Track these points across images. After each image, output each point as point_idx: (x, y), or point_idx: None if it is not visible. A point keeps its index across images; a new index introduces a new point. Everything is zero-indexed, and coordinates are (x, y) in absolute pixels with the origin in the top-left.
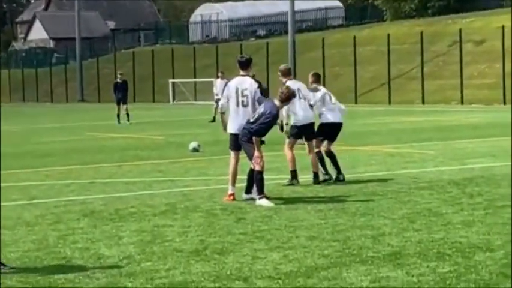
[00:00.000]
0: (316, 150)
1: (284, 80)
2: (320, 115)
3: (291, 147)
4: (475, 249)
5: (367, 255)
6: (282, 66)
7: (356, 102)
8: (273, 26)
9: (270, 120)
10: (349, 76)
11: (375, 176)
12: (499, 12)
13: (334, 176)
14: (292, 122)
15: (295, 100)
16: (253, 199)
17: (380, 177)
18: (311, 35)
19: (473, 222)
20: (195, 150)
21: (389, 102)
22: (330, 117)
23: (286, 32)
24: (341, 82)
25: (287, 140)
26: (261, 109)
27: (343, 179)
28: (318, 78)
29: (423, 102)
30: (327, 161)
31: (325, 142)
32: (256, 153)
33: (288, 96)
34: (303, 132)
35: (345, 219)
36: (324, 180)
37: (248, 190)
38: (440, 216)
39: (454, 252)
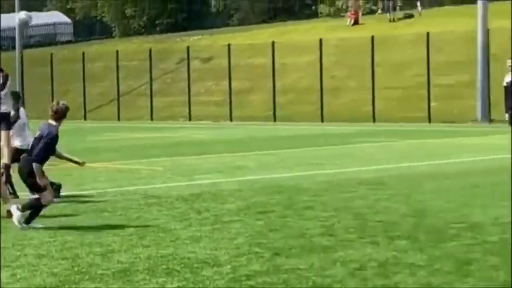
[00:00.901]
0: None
1: None
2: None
3: None
4: (202, 264)
5: (97, 273)
6: None
7: (85, 119)
8: (1, 41)
9: (52, 142)
10: (78, 92)
11: (104, 192)
12: (226, 31)
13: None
14: None
15: None
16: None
17: (109, 193)
18: (39, 50)
19: (201, 238)
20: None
21: (119, 119)
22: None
23: (14, 47)
24: (70, 98)
25: None
26: (36, 133)
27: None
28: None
29: (152, 119)
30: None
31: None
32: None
33: (63, 113)
34: None
35: (74, 236)
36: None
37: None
38: (169, 232)
39: (183, 268)
